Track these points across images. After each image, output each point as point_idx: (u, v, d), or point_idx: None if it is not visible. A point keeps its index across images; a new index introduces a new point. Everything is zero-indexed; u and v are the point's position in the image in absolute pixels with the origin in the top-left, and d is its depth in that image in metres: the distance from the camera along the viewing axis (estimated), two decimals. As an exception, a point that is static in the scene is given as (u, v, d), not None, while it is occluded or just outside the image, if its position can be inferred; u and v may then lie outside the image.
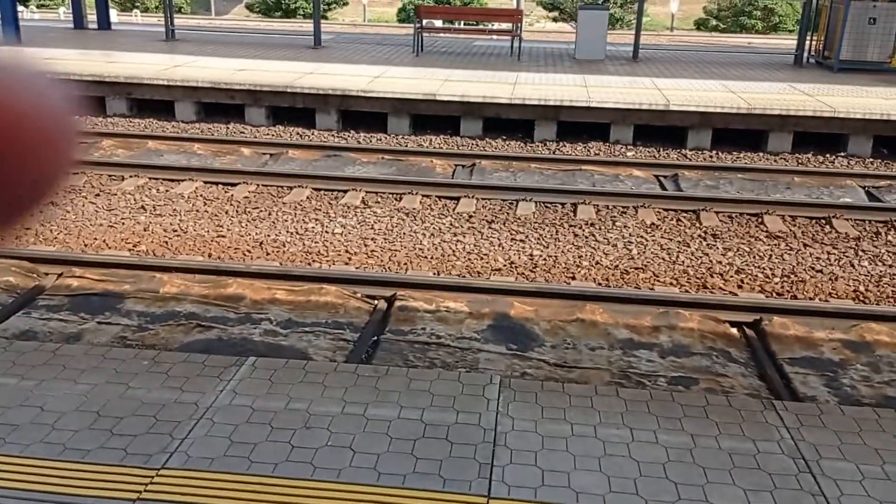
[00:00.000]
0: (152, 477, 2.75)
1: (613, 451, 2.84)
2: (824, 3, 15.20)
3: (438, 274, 6.49)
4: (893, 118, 10.28)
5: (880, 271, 6.71)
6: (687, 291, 6.26)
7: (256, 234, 7.28)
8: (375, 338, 5.22)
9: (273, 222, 7.58)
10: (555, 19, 33.50)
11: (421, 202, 8.28)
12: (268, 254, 6.84)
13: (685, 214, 8.11)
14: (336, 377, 3.30)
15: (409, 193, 8.44)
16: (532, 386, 3.31)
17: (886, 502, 2.66)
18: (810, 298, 6.13)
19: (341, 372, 3.36)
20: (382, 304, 5.69)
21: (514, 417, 3.04)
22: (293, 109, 11.49)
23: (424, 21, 16.92)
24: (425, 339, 5.27)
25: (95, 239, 7.10)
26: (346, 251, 6.91)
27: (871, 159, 10.38)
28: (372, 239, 7.21)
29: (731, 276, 6.59)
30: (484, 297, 5.81)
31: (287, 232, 7.34)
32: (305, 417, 2.99)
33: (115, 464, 2.83)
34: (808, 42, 15.48)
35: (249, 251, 6.88)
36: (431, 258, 6.85)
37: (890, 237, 7.52)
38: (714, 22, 31.54)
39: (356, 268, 6.52)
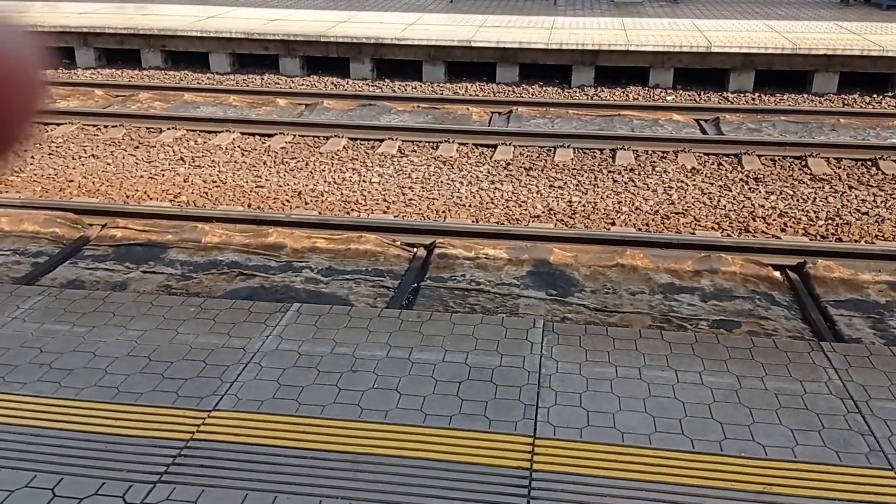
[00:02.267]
0: (204, 418, 2.83)
1: (658, 392, 2.85)
2: (874, -64, 14.55)
3: (477, 221, 6.48)
4: (946, 55, 9.88)
5: (930, 213, 6.54)
6: (729, 235, 6.17)
7: (294, 184, 7.31)
8: (416, 284, 5.25)
9: (311, 172, 7.61)
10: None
11: (458, 150, 8.23)
12: (306, 203, 6.87)
13: (726, 158, 7.95)
14: (380, 322, 3.33)
15: (445, 142, 8.39)
16: (575, 329, 3.31)
17: (938, 442, 2.63)
18: (855, 241, 6.01)
19: (385, 317, 3.39)
20: (422, 252, 5.71)
21: (559, 360, 3.05)
22: (327, 59, 11.42)
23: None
24: (465, 285, 5.29)
25: (137, 190, 7.20)
26: (385, 200, 6.92)
27: (922, 98, 10.02)
28: (409, 188, 7.20)
29: (774, 220, 6.47)
30: (523, 244, 5.79)
31: (325, 182, 7.36)
32: (351, 361, 3.04)
33: (168, 406, 2.90)
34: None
35: (288, 201, 6.93)
36: (470, 206, 6.83)
37: (941, 178, 7.30)
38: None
39: (395, 216, 6.53)
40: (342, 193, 7.07)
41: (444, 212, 6.68)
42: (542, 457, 2.48)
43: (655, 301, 5.11)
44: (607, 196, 7.06)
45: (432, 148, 8.33)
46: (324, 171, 7.64)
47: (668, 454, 2.50)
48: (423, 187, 7.21)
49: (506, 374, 2.96)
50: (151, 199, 7.02)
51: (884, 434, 2.63)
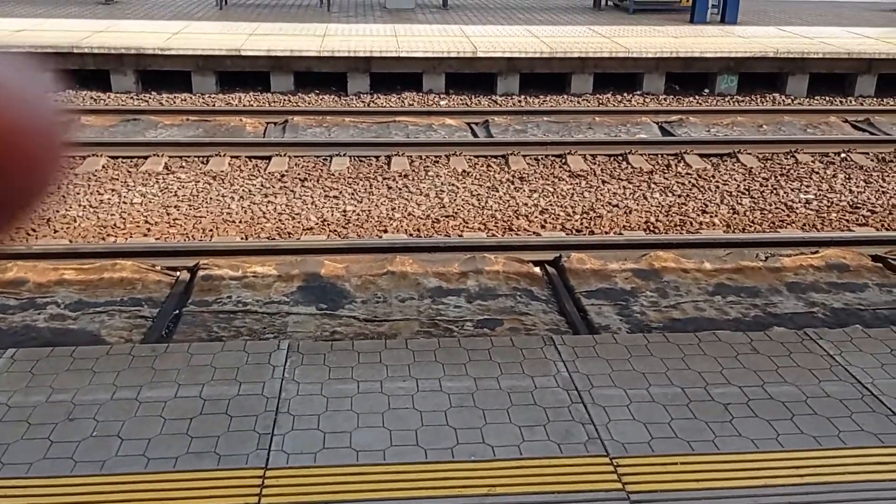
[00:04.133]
0: None
1: (398, 403, 2.86)
2: (619, -53, 15.85)
3: (247, 238, 6.27)
4: (682, 55, 10.97)
5: (669, 201, 7.18)
6: (494, 235, 6.42)
7: (42, 210, 6.69)
8: (177, 311, 4.97)
9: (62, 196, 6.99)
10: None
11: (230, 164, 7.94)
12: (55, 232, 6.31)
13: (495, 160, 8.29)
14: (107, 361, 3.09)
15: (216, 155, 8.07)
16: (321, 347, 3.26)
17: (650, 422, 2.85)
18: (605, 233, 6.47)
19: (114, 355, 3.15)
20: (185, 275, 5.42)
21: (300, 382, 2.98)
22: (84, 72, 10.59)
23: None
24: (231, 307, 5.08)
25: None
26: (146, 222, 6.51)
27: (664, 96, 11.04)
28: (175, 206, 6.83)
29: (536, 217, 6.82)
30: (293, 259, 5.67)
31: (78, 206, 6.81)
32: (69, 409, 2.79)
33: None
34: (607, -15, 16.13)
35: (34, 230, 6.32)
36: (240, 222, 6.59)
37: (679, 168, 8.06)
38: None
39: (156, 239, 6.16)
40: (98, 218, 6.57)
41: (211, 230, 6.40)
42: (271, 489, 2.39)
43: (424, 306, 5.20)
44: (381, 203, 7.10)
45: (202, 163, 7.98)
46: (78, 194, 7.06)
47: (402, 468, 2.52)
48: (189, 205, 6.87)
49: (243, 403, 2.85)
50: None
51: (602, 421, 2.81)
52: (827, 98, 11.13)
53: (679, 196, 7.32)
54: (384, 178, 7.71)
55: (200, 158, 8.05)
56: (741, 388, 3.08)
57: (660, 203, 7.15)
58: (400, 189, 7.44)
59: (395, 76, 10.97)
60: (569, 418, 2.81)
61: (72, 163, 0.62)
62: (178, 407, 2.80)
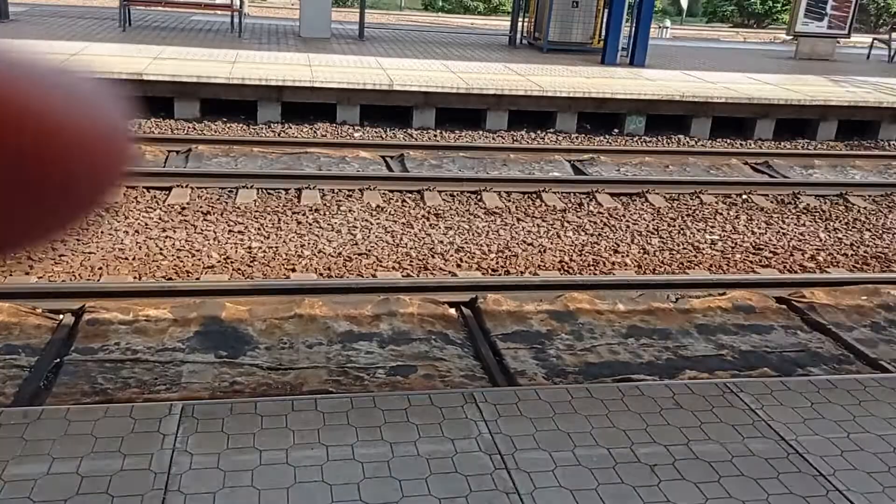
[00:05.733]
0: None
1: (305, 476, 2.60)
2: (532, -13, 16.16)
3: (140, 278, 5.85)
4: (594, 95, 11.15)
5: (582, 240, 7.17)
6: (409, 275, 6.22)
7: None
8: (58, 360, 4.53)
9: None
10: (284, -6, 32.53)
11: (125, 195, 7.46)
12: (-75, 268, 5.72)
13: (410, 195, 8.12)
14: (-32, 431, 2.70)
15: (112, 186, 7.57)
16: (219, 410, 2.96)
17: (577, 489, 2.69)
18: (521, 272, 6.37)
19: (-23, 423, 2.76)
20: (69, 319, 4.98)
21: (194, 453, 2.67)
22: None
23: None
24: (119, 355, 4.67)
25: None
26: (29, 259, 5.98)
27: (576, 134, 11.19)
28: (61, 242, 6.32)
29: (452, 256, 6.67)
30: (191, 301, 5.30)
31: (-47, 239, 6.22)
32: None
33: None
34: (521, 24, 16.38)
35: None
36: (133, 260, 6.16)
37: (591, 207, 8.09)
38: (440, 3, 32.60)
39: (38, 278, 5.67)
40: (-25, 253, 6.01)
41: (100, 269, 5.94)
42: (157, 585, 2.10)
43: (333, 352, 4.93)
44: (290, 240, 6.80)
45: (97, 193, 7.48)
46: (-46, 226, 6.46)
47: (308, 552, 2.26)
48: (78, 241, 6.37)
49: (126, 480, 2.52)
50: None
51: (527, 489, 2.63)
52: (728, 141, 11.52)
53: (591, 235, 7.32)
54: (294, 213, 7.41)
55: (95, 188, 7.55)
56: (667, 448, 2.96)
57: (573, 242, 7.13)
58: (310, 224, 7.17)
59: (308, 106, 10.70)
60: (492, 487, 2.62)
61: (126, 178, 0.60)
62: (50, 485, 2.45)
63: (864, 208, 8.63)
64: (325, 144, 9.63)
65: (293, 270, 6.19)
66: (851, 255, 7.28)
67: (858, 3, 17.25)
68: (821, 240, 7.61)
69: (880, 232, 7.94)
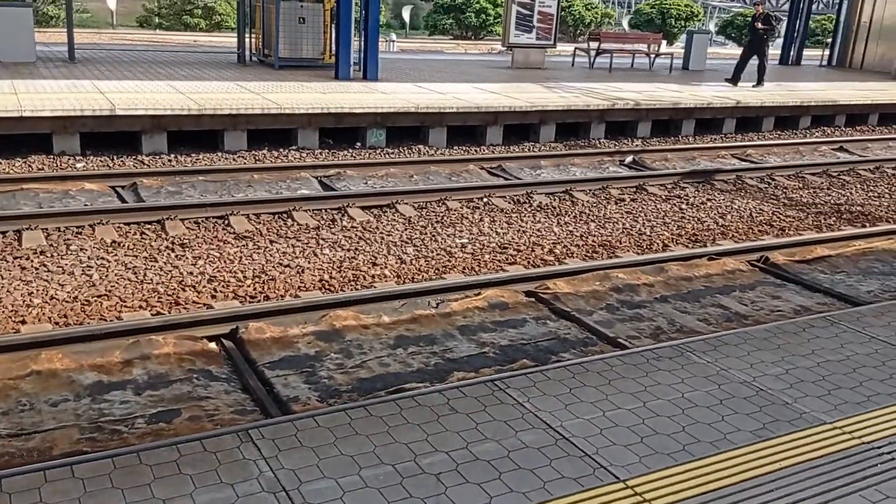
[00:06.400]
0: None
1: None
2: (258, 3, 15.90)
3: None
4: (332, 111, 11.22)
5: (340, 256, 7.18)
6: (159, 313, 5.81)
7: None
8: None
9: None
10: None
11: None
12: None
13: (149, 226, 7.60)
14: None
15: None
16: (-51, 500, 2.54)
17: (368, 511, 2.67)
18: (282, 296, 6.23)
19: None
20: None
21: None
22: None
23: None
24: None
25: None
26: None
27: (320, 150, 11.19)
28: None
29: (205, 287, 6.34)
30: None
31: None
32: None
33: None
34: (249, 40, 16.03)
35: None
36: None
37: (345, 222, 8.13)
38: (157, 20, 30.93)
39: None
40: None
41: None
42: None
43: (83, 408, 4.46)
44: (16, 288, 6.06)
45: None
46: None
47: None
48: None
49: None
50: None
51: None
52: (464, 148, 12.20)
53: (348, 250, 7.36)
54: (15, 258, 6.62)
55: None
56: (448, 454, 3.04)
57: (331, 259, 7.12)
58: (37, 269, 6.44)
59: (18, 137, 9.60)
60: (281, 527, 2.51)
61: None
62: None
63: (587, 202, 9.58)
64: (44, 179, 8.72)
65: (23, 322, 5.52)
66: (582, 245, 8.04)
67: (559, 16, 19.13)
68: (555, 234, 8.32)
69: (602, 222, 8.86)
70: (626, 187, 10.36)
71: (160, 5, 31.08)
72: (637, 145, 13.48)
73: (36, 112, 9.46)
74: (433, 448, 3.07)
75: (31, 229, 7.15)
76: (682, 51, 22.67)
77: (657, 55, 21.32)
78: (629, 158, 12.20)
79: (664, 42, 24.96)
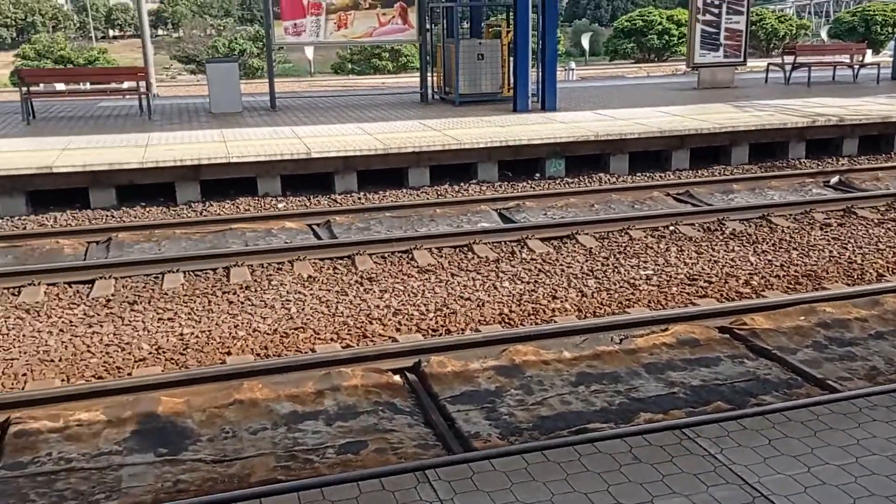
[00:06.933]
0: None
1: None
2: (438, 44, 16.47)
3: (68, 380, 5.54)
4: (511, 144, 11.31)
5: (520, 289, 7.16)
6: (348, 345, 6.07)
7: None
8: (-18, 482, 4.20)
9: None
10: (192, 72, 32.47)
11: (46, 292, 7.14)
12: None
13: (341, 261, 8.01)
14: None
15: (29, 285, 7.24)
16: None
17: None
18: (462, 330, 6.29)
19: None
20: (-8, 435, 4.64)
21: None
22: None
23: (37, 85, 15.08)
24: (51, 466, 4.37)
25: None
26: (-59, 374, 5.61)
27: (499, 183, 11.30)
28: (-24, 352, 5.96)
29: (390, 320, 6.55)
30: (124, 399, 5.04)
31: None
32: None
33: None
34: (430, 80, 16.62)
35: None
36: (60, 361, 5.84)
37: (524, 254, 8.12)
38: (350, 66, 32.96)
39: (-47, 395, 5.30)
40: None
41: (24, 375, 5.61)
42: None
43: (279, 436, 4.73)
44: (223, 321, 6.58)
45: (12, 295, 7.13)
46: None
47: None
48: (-4, 349, 6.03)
49: None
50: None
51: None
52: (648, 174, 11.82)
53: (528, 283, 7.32)
54: (224, 293, 7.20)
55: (10, 290, 7.20)
56: (632, 506, 2.89)
57: (510, 292, 7.11)
58: (242, 303, 6.96)
59: (227, 182, 10.53)
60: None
61: None
62: None
63: (788, 227, 8.92)
64: (250, 219, 9.46)
65: (228, 353, 5.97)
66: (783, 275, 7.46)
67: (749, 31, 18.17)
68: (752, 264, 7.80)
69: (806, 250, 8.19)
70: (832, 210, 9.55)
71: (352, 52, 33.14)
72: (843, 164, 12.42)
73: (242, 158, 10.33)
74: (614, 500, 2.92)
75: (239, 266, 7.76)
76: (891, 59, 20.74)
77: (861, 66, 19.65)
78: (835, 179, 11.26)
79: (869, 51, 23.00)
